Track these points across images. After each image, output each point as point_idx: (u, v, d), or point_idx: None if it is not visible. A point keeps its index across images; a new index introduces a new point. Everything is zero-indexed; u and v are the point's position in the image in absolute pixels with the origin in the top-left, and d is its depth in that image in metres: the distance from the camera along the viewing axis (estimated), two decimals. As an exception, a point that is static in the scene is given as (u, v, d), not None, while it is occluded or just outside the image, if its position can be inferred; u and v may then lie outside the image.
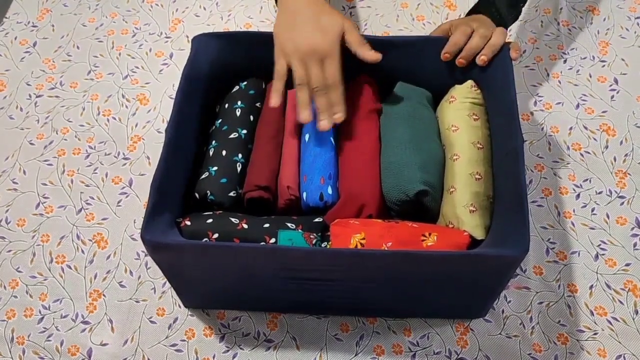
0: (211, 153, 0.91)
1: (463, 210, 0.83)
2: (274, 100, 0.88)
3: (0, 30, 1.25)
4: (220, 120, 0.95)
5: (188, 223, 0.83)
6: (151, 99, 1.14)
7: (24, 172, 1.06)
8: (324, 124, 0.86)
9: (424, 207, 0.86)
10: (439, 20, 1.24)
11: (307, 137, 0.92)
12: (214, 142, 0.92)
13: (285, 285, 0.81)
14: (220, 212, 0.86)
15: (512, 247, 0.72)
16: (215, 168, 0.89)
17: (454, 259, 0.74)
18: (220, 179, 0.88)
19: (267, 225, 0.83)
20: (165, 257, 0.79)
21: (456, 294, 0.83)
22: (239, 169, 0.90)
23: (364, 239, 0.79)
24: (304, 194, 0.87)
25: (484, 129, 0.91)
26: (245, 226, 0.83)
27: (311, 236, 0.82)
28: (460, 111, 0.91)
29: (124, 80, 1.17)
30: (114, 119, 1.12)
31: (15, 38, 1.24)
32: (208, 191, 0.87)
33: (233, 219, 0.84)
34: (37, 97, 1.15)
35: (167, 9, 1.28)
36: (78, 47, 1.22)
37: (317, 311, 0.91)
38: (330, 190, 0.86)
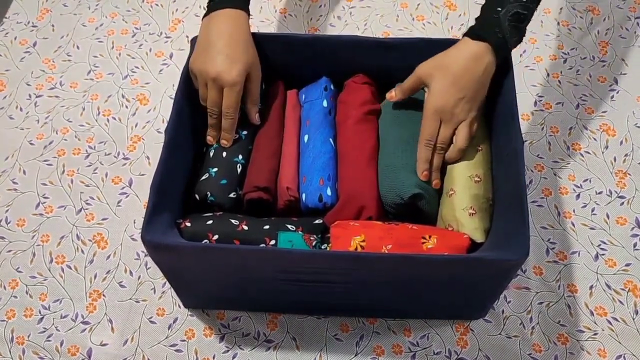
0: (211, 154, 0.91)
1: (462, 213, 0.83)
2: (209, 139, 0.92)
3: (0, 30, 1.25)
4: None
5: (188, 224, 0.83)
6: (151, 99, 1.14)
7: (24, 172, 1.06)
8: (220, 141, 0.92)
9: (419, 210, 0.86)
10: (438, 20, 1.24)
11: (306, 138, 0.92)
12: (214, 143, 0.92)
13: (285, 286, 0.81)
14: (221, 213, 0.86)
15: (512, 251, 0.72)
16: (215, 169, 0.89)
17: (454, 263, 0.74)
18: (220, 180, 0.88)
19: (267, 226, 0.83)
20: (166, 258, 0.79)
21: (456, 296, 0.83)
22: (239, 170, 0.90)
23: (364, 241, 0.79)
24: (303, 195, 0.87)
25: (483, 130, 0.90)
26: (246, 227, 0.83)
27: (311, 238, 0.82)
28: None
29: (124, 80, 1.17)
30: (114, 119, 1.12)
31: (15, 38, 1.24)
32: (208, 192, 0.87)
33: (233, 221, 0.84)
34: (37, 97, 1.15)
35: (167, 9, 1.28)
36: (78, 47, 1.22)
37: (317, 312, 0.90)
38: (329, 192, 0.86)
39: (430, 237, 0.80)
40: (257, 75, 0.91)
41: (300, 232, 0.83)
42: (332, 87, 0.96)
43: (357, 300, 0.85)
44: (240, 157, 0.91)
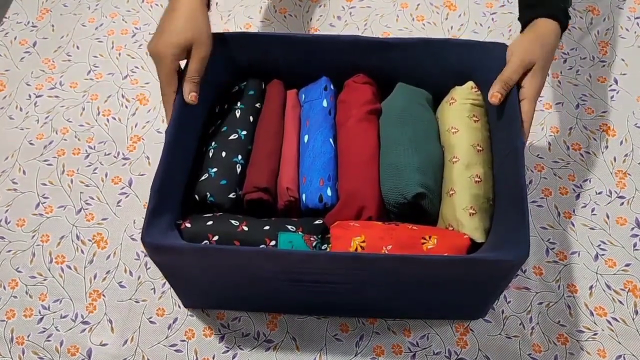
0: (211, 154, 0.91)
1: (462, 213, 0.83)
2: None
3: (0, 30, 1.25)
4: (219, 122, 0.95)
5: (188, 225, 0.83)
6: (151, 99, 1.14)
7: (24, 172, 1.06)
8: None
9: (422, 209, 0.85)
10: (438, 20, 1.24)
11: (306, 138, 0.92)
12: (213, 143, 0.92)
13: (285, 287, 0.81)
14: (221, 213, 0.86)
15: (513, 252, 0.72)
16: (214, 169, 0.89)
17: (454, 264, 0.74)
18: (219, 181, 0.88)
19: (267, 227, 0.83)
20: (166, 259, 0.79)
21: (456, 296, 0.83)
22: (238, 170, 0.90)
23: (364, 241, 0.79)
24: (303, 196, 0.87)
25: (484, 130, 0.90)
26: (246, 228, 0.83)
27: (311, 238, 0.82)
28: (460, 112, 0.91)
29: (123, 80, 1.17)
30: (114, 119, 1.12)
31: (15, 38, 1.24)
32: (208, 193, 0.87)
33: (233, 221, 0.84)
34: (37, 97, 1.15)
35: (167, 9, 1.27)
36: (78, 47, 1.22)
37: (317, 312, 0.90)
38: (329, 192, 0.86)
39: (430, 237, 0.80)
40: (198, 53, 0.86)
41: (300, 233, 0.83)
42: (332, 87, 0.96)
43: (357, 301, 0.85)
44: (240, 157, 0.91)
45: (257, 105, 0.97)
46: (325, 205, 0.86)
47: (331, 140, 0.91)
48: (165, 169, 0.80)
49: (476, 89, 0.93)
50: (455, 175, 0.86)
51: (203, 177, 0.89)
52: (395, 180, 0.85)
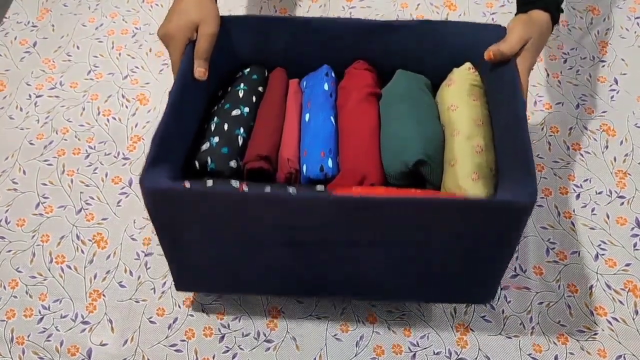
0: (213, 128, 0.90)
1: (465, 179, 0.80)
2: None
3: (0, 30, 1.25)
4: (222, 101, 0.94)
5: (188, 185, 0.82)
6: (151, 99, 1.14)
7: (24, 172, 1.06)
8: None
9: (423, 179, 0.84)
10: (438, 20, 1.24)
11: (307, 117, 0.91)
12: (215, 118, 0.91)
13: (282, 254, 0.79)
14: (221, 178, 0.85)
15: (522, 194, 0.71)
16: (216, 139, 0.87)
17: (460, 205, 0.72)
18: (221, 149, 0.87)
19: (267, 189, 0.82)
20: (164, 210, 0.77)
21: (460, 260, 0.80)
22: (240, 142, 0.88)
23: None
24: (304, 167, 0.86)
25: (483, 109, 0.90)
26: (246, 189, 0.82)
27: None
28: (459, 92, 0.90)
29: (124, 80, 1.17)
30: (114, 119, 1.12)
31: (15, 38, 1.24)
32: (209, 158, 0.86)
33: (233, 183, 0.83)
34: (37, 97, 1.15)
35: (167, 9, 1.27)
36: (78, 47, 1.22)
37: (313, 290, 0.89)
38: (330, 163, 0.85)
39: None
40: (206, 30, 0.89)
41: None
42: (332, 74, 0.96)
43: (355, 274, 0.83)
44: (242, 130, 0.90)
45: (260, 89, 0.96)
46: (326, 176, 0.84)
47: (332, 118, 0.90)
48: (165, 126, 0.78)
49: (474, 70, 0.92)
50: (456, 147, 0.84)
51: (204, 147, 0.87)
52: (396, 149, 0.84)
